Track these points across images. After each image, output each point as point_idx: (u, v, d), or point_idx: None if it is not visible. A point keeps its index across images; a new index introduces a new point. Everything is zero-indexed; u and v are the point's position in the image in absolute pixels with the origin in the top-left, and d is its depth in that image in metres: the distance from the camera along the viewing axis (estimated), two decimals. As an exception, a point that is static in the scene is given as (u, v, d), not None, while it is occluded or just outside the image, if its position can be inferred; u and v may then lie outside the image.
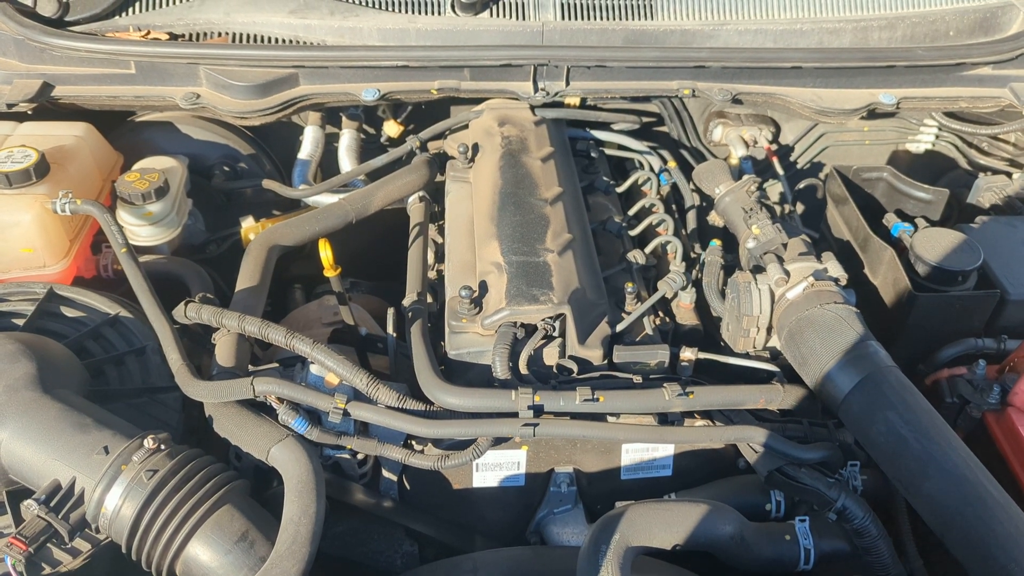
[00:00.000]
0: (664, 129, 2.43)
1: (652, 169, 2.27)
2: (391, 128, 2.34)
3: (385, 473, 1.57)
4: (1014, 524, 1.29)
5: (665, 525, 1.35)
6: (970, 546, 1.31)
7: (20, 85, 2.01)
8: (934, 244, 1.80)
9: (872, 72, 2.15)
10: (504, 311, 1.55)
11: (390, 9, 2.11)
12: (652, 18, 2.13)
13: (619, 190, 2.18)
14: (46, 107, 2.05)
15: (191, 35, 2.08)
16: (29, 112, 2.01)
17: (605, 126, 2.32)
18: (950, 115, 2.37)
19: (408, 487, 1.59)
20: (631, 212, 2.10)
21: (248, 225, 2.19)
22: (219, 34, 2.09)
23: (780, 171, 2.29)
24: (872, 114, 2.22)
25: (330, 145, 2.32)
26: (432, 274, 1.91)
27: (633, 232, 2.02)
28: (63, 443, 1.31)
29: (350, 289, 2.32)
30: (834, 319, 1.56)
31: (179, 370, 1.48)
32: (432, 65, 2.06)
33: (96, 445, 1.31)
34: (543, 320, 1.56)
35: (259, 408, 1.46)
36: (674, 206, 2.18)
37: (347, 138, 2.30)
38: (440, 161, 2.11)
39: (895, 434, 1.40)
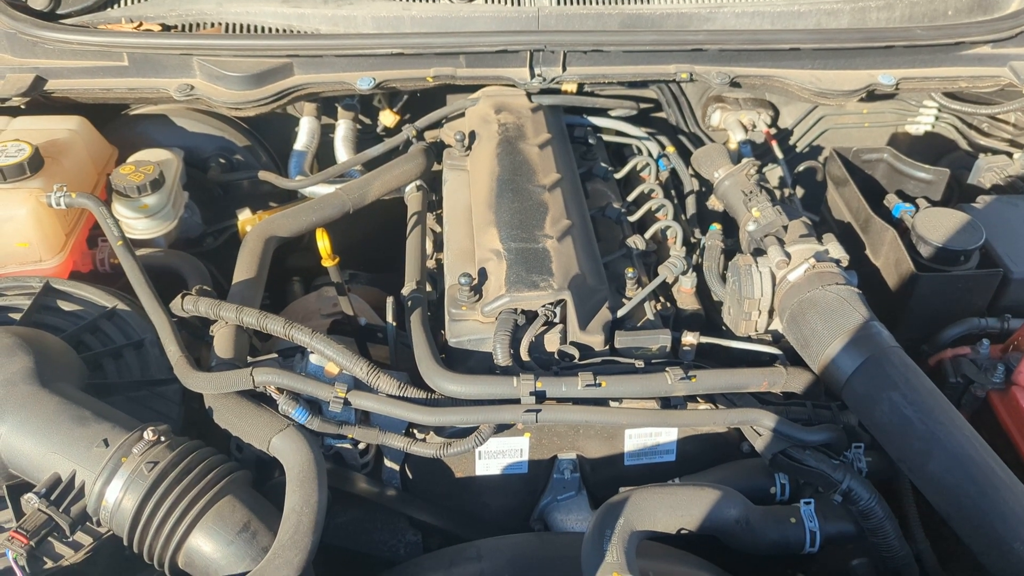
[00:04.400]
0: (662, 115, 2.42)
1: (651, 154, 2.26)
2: (387, 118, 2.33)
3: (387, 462, 1.56)
4: (1019, 502, 1.29)
5: (669, 509, 1.34)
6: (975, 525, 1.30)
7: (12, 79, 2.00)
8: (936, 224, 1.78)
9: (871, 53, 2.14)
10: (504, 298, 1.54)
11: (384, -4, 2.09)
12: (648, 1, 2.11)
13: (618, 176, 2.17)
14: (39, 101, 2.03)
15: (184, 26, 2.07)
16: (22, 106, 2.00)
17: (603, 112, 2.31)
18: (950, 95, 2.36)
19: (411, 476, 1.58)
20: (630, 198, 2.09)
21: (245, 217, 2.18)
22: (212, 24, 2.07)
23: (779, 155, 2.28)
24: (871, 95, 2.21)
25: (326, 136, 2.31)
26: (431, 263, 1.90)
27: (632, 218, 2.00)
28: (62, 436, 1.30)
29: (349, 280, 2.31)
30: (836, 300, 1.55)
31: (178, 362, 1.47)
32: (427, 52, 2.04)
33: (95, 438, 1.30)
34: (543, 306, 1.55)
35: (259, 399, 1.45)
36: (673, 191, 2.17)
37: (343, 128, 2.29)
38: (437, 150, 2.09)
39: (898, 414, 1.39)
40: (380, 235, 2.16)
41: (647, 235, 1.92)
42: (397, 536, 1.59)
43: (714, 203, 2.09)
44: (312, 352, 1.50)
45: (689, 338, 1.62)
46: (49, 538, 1.28)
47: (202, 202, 2.20)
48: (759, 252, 1.75)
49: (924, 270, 1.75)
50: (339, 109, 2.31)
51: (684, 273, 1.81)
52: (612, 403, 1.52)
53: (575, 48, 2.06)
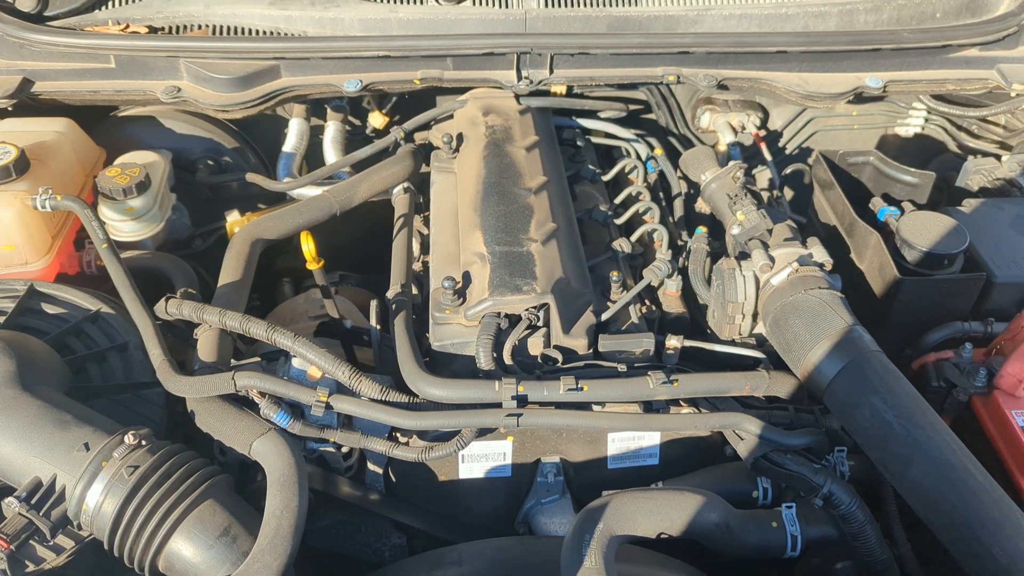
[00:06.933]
0: (652, 116, 2.42)
1: (639, 157, 2.26)
2: (376, 119, 2.33)
3: (370, 466, 1.57)
4: (998, 508, 1.29)
5: (650, 514, 1.34)
6: (955, 530, 1.30)
7: (-1, 81, 2.00)
8: (920, 228, 1.79)
9: (858, 55, 2.14)
10: (487, 301, 1.54)
11: (371, -2, 2.09)
12: (636, 4, 2.11)
13: (605, 178, 2.18)
14: (26, 103, 2.03)
15: (171, 28, 2.07)
16: (9, 108, 2.00)
17: (592, 114, 2.31)
18: (939, 98, 2.36)
19: (394, 479, 1.58)
20: (617, 200, 2.10)
21: (233, 219, 2.18)
22: (199, 27, 2.07)
23: (768, 157, 2.28)
24: (859, 98, 2.21)
25: (315, 137, 2.31)
26: (417, 265, 1.90)
27: (619, 220, 2.01)
28: (43, 440, 1.31)
29: (339, 282, 2.31)
30: (819, 304, 1.55)
31: (160, 366, 1.48)
32: (414, 55, 2.04)
33: (76, 442, 1.31)
34: (527, 310, 1.55)
35: (242, 403, 1.46)
36: (661, 194, 2.17)
37: (332, 130, 2.29)
38: (425, 152, 2.09)
39: (879, 419, 1.39)
40: (371, 236, 2.16)
41: (633, 238, 1.92)
42: (381, 539, 1.59)
43: (702, 206, 2.10)
44: (295, 356, 1.50)
45: (673, 342, 1.63)
46: (30, 542, 1.28)
47: (190, 204, 2.20)
48: (744, 255, 1.75)
49: (908, 274, 1.75)
50: (328, 111, 2.31)
51: (669, 276, 1.81)
52: (595, 407, 1.52)
53: (562, 51, 2.06)
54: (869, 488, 1.55)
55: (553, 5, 2.09)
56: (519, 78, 2.09)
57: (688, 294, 1.85)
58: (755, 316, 1.69)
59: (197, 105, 2.03)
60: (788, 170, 2.36)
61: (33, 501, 1.27)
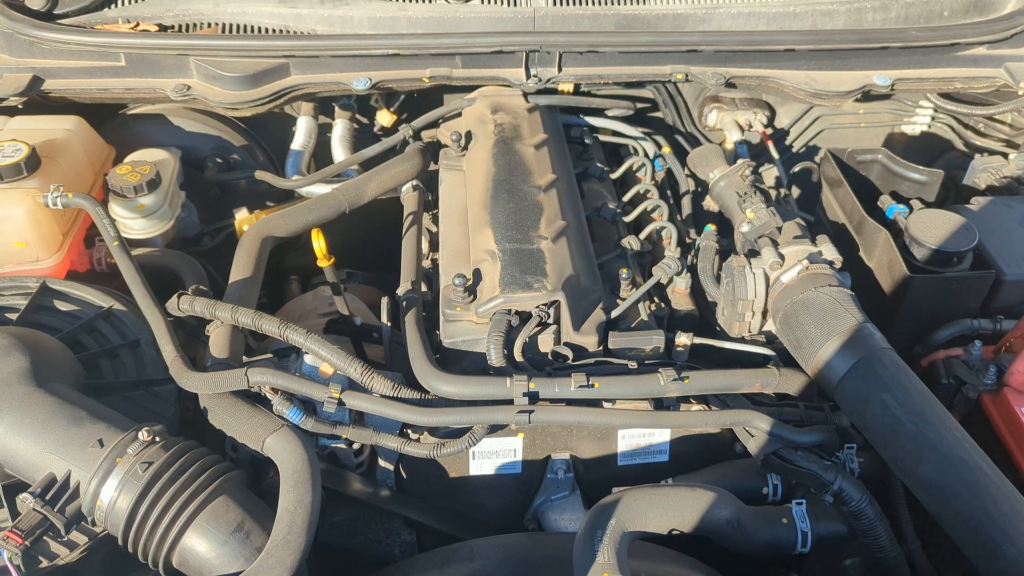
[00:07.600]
0: (659, 115, 2.42)
1: (647, 155, 2.26)
2: (384, 117, 2.34)
3: (382, 462, 1.57)
4: (1009, 504, 1.29)
5: (661, 510, 1.35)
6: (965, 527, 1.31)
7: (10, 79, 2.01)
8: (929, 225, 1.79)
9: (866, 54, 2.14)
10: (498, 299, 1.54)
11: (380, -3, 2.10)
12: (644, 2, 2.12)
13: (613, 176, 2.18)
14: (36, 101, 2.04)
15: (180, 26, 2.07)
16: (19, 106, 2.01)
17: (599, 112, 2.31)
18: (946, 96, 2.36)
19: (405, 476, 1.59)
20: (626, 198, 2.10)
21: (242, 217, 2.18)
22: (208, 25, 2.07)
23: (775, 155, 2.28)
24: (867, 96, 2.21)
25: (323, 135, 2.31)
26: (427, 263, 1.90)
27: (628, 218, 2.01)
28: (58, 437, 1.31)
29: (347, 279, 2.31)
30: (829, 302, 1.55)
31: (173, 362, 1.48)
32: (423, 53, 2.05)
33: (91, 438, 1.31)
34: (537, 307, 1.55)
35: (254, 399, 1.46)
36: (669, 192, 2.18)
37: (340, 128, 2.29)
38: (433, 150, 2.10)
39: (890, 416, 1.39)
40: (378, 234, 2.17)
41: (642, 235, 1.92)
42: (392, 536, 1.60)
43: (710, 204, 2.10)
44: (307, 352, 1.51)
45: (683, 339, 1.63)
46: (44, 537, 1.29)
47: (199, 202, 2.20)
48: (753, 253, 1.76)
49: (917, 272, 1.75)
50: (336, 109, 2.31)
51: (678, 274, 1.81)
52: (605, 404, 1.53)
53: (570, 49, 2.06)
54: (879, 485, 1.56)
55: (562, 3, 2.10)
56: (528, 76, 2.09)
57: (697, 291, 1.85)
58: (765, 313, 1.70)
59: (207, 103, 2.04)
60: (796, 168, 2.37)
61: (47, 497, 1.28)
